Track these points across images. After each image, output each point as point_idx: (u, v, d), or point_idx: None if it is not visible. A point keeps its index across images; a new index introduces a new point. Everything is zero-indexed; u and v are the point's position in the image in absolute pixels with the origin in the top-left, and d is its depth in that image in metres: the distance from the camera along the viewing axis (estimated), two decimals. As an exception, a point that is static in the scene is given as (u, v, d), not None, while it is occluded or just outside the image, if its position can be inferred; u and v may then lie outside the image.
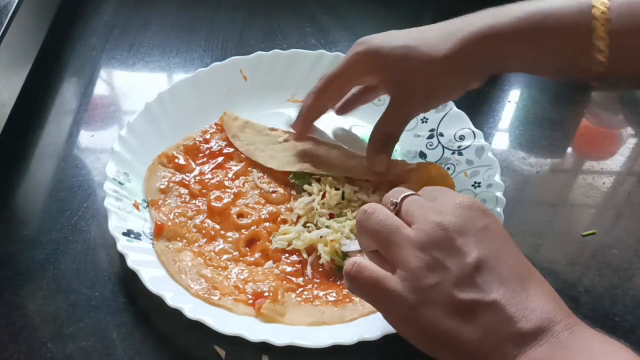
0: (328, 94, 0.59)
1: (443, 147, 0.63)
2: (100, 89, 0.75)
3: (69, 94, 0.73)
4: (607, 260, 0.57)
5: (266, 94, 0.69)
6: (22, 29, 0.69)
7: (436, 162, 0.62)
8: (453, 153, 0.62)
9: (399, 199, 0.42)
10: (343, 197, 0.57)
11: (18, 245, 0.57)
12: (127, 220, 0.55)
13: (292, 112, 0.69)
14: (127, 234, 0.53)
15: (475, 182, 0.59)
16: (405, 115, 0.57)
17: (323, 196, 0.57)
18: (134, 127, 0.62)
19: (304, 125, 0.62)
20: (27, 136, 0.67)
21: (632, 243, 0.59)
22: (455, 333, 0.36)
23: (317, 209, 0.56)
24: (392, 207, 0.42)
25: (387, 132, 0.57)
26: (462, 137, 0.62)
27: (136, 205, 0.57)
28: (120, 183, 0.57)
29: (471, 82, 0.54)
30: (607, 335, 0.36)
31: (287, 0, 0.87)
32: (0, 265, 0.55)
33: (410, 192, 0.42)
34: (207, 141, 0.64)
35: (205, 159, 0.62)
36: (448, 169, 0.61)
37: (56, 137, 0.68)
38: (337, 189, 0.58)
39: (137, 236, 0.54)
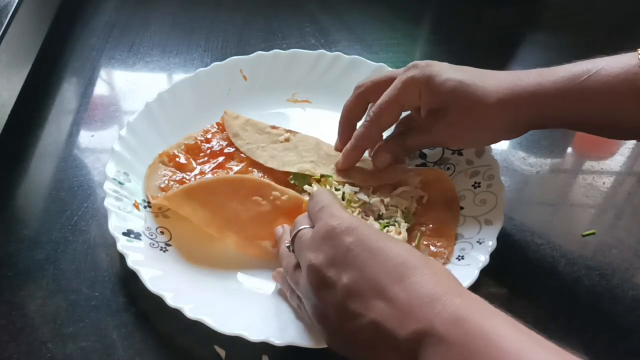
0: (385, 120, 0.56)
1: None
2: (100, 89, 0.75)
3: (69, 94, 0.73)
4: (607, 260, 0.57)
5: (266, 94, 0.69)
6: (22, 29, 0.69)
7: (436, 162, 0.62)
8: (453, 153, 0.62)
9: (290, 239, 0.47)
10: (343, 198, 0.57)
11: (18, 245, 0.57)
12: (127, 220, 0.55)
13: (292, 112, 0.69)
14: (127, 234, 0.53)
15: (475, 182, 0.59)
16: (434, 144, 0.59)
17: None
18: (134, 127, 0.62)
19: (356, 157, 0.59)
20: (27, 136, 0.68)
21: (632, 243, 0.59)
22: None
23: None
24: (288, 248, 0.47)
25: (408, 147, 0.58)
26: None
27: (136, 205, 0.57)
28: (120, 183, 0.57)
29: (510, 135, 0.56)
30: (497, 308, 0.36)
31: (287, 0, 0.87)
32: (0, 265, 0.55)
33: (301, 226, 0.46)
34: (208, 140, 0.64)
35: (206, 159, 0.62)
36: (448, 169, 0.61)
37: (56, 137, 0.68)
38: (337, 190, 0.58)
39: (137, 236, 0.54)
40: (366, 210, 0.57)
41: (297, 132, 0.64)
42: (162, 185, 0.59)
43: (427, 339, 0.35)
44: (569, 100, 0.50)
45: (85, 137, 0.69)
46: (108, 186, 0.56)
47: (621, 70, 0.48)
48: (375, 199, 0.57)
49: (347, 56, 0.71)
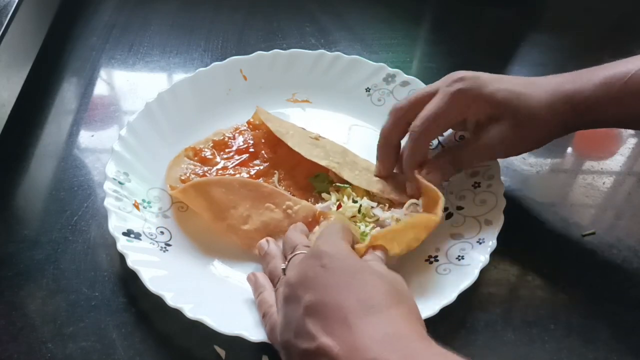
0: (434, 132, 0.56)
1: (443, 147, 0.63)
2: (100, 89, 0.75)
3: (69, 94, 0.73)
4: (607, 260, 0.57)
5: (266, 94, 0.69)
6: (22, 29, 0.69)
7: (436, 162, 0.62)
8: (453, 153, 0.62)
9: (287, 261, 0.48)
10: (359, 211, 0.56)
11: (18, 245, 0.57)
12: (127, 220, 0.55)
13: (292, 112, 0.69)
14: (127, 234, 0.53)
15: (475, 182, 0.59)
16: (485, 156, 0.57)
17: (339, 207, 0.57)
18: (134, 127, 0.62)
19: (409, 172, 0.57)
20: (27, 136, 0.68)
21: (632, 243, 0.59)
22: None
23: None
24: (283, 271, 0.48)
25: (460, 162, 0.56)
26: (462, 137, 0.62)
27: (136, 205, 0.57)
28: (120, 183, 0.57)
29: (557, 135, 0.55)
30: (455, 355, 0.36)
31: (287, 0, 0.87)
32: (0, 265, 0.55)
33: (299, 251, 0.48)
34: (236, 138, 0.64)
35: (231, 154, 0.63)
36: (448, 169, 0.61)
37: (56, 137, 0.68)
38: (354, 201, 0.57)
39: (137, 236, 0.54)
40: (380, 225, 0.56)
41: (324, 138, 0.64)
42: (183, 178, 0.59)
43: None
44: (612, 103, 0.51)
45: (85, 137, 0.69)
46: (108, 186, 0.56)
47: None
48: (387, 215, 0.56)
49: (347, 56, 0.71)
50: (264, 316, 0.47)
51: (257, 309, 0.49)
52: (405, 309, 0.39)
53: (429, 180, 0.54)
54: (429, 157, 0.57)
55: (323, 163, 0.59)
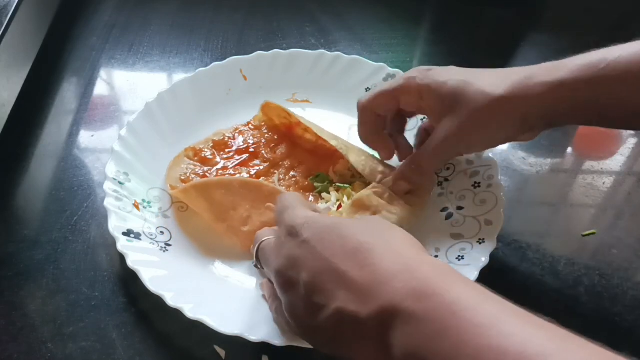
0: (375, 104, 0.56)
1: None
2: (100, 89, 0.75)
3: (69, 94, 0.73)
4: (607, 260, 0.57)
5: (266, 94, 0.69)
6: (22, 29, 0.69)
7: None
8: (453, 153, 0.62)
9: (254, 256, 0.47)
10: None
11: (18, 245, 0.57)
12: (127, 220, 0.55)
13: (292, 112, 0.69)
14: (127, 234, 0.53)
15: (475, 182, 0.59)
16: (444, 154, 0.54)
17: (339, 207, 0.57)
18: (134, 127, 0.62)
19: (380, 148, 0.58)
20: (27, 136, 0.68)
21: (632, 243, 0.59)
22: (341, 354, 0.39)
23: None
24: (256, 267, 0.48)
25: (419, 165, 0.55)
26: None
27: (136, 205, 0.57)
28: (120, 183, 0.57)
29: (522, 134, 0.52)
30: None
31: (287, 0, 0.87)
32: (0, 265, 0.55)
33: (263, 238, 0.46)
34: (236, 138, 0.64)
35: (231, 154, 0.63)
36: (448, 169, 0.61)
37: (56, 137, 0.68)
38: None
39: (137, 236, 0.54)
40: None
41: None
42: (183, 178, 0.59)
43: (395, 318, 0.34)
44: (588, 89, 0.48)
45: (85, 137, 0.69)
46: (108, 186, 0.56)
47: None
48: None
49: (347, 56, 0.71)
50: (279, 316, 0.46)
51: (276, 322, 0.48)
52: (388, 245, 0.39)
53: (395, 190, 0.55)
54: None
55: (333, 143, 0.59)
